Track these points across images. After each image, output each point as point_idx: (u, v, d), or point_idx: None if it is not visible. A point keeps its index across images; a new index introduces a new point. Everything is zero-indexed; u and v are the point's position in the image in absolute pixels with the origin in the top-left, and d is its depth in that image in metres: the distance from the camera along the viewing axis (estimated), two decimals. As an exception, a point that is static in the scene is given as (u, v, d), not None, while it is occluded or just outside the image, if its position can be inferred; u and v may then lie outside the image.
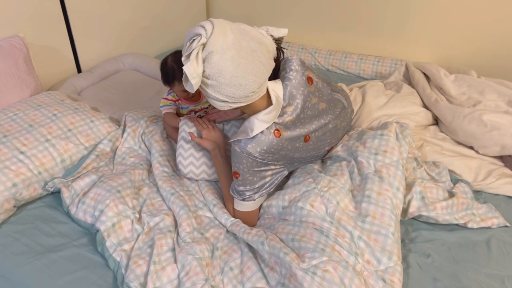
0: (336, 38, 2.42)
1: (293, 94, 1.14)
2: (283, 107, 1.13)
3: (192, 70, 0.97)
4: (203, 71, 1.00)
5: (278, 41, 1.13)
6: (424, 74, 1.84)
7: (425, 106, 1.72)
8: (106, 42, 2.16)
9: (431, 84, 1.79)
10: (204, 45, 0.98)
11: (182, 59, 1.01)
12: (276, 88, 1.12)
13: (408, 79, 1.92)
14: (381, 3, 2.17)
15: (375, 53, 2.28)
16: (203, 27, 0.98)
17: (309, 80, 1.18)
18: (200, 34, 0.97)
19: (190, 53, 0.98)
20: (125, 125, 1.56)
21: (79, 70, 2.08)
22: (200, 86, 1.04)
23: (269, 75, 1.09)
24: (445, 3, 2.01)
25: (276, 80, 1.15)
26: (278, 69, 1.19)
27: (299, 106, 1.14)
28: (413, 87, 1.82)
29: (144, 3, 2.30)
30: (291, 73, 1.15)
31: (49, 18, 1.84)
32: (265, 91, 1.10)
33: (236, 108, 1.13)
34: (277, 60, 1.15)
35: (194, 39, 0.98)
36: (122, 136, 1.53)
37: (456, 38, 2.06)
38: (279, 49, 1.15)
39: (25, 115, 1.43)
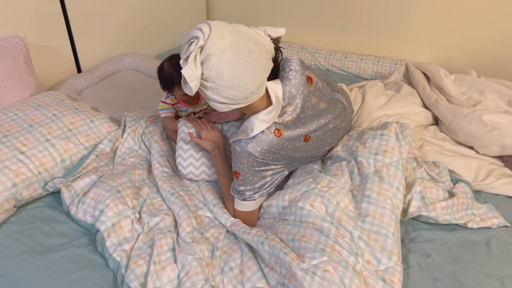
0: (336, 38, 2.42)
1: (293, 94, 1.14)
2: (283, 107, 1.13)
3: (190, 73, 0.97)
4: (202, 74, 1.00)
5: (276, 41, 1.12)
6: (424, 74, 1.84)
7: (425, 106, 1.72)
8: (106, 42, 2.16)
9: (431, 84, 1.79)
10: (202, 47, 0.98)
11: (180, 62, 1.01)
12: (275, 88, 1.12)
13: (408, 79, 1.92)
14: (381, 3, 2.17)
15: (375, 53, 2.28)
16: (201, 29, 0.98)
17: (309, 79, 1.18)
18: (198, 37, 0.97)
19: (188, 55, 0.98)
20: (125, 125, 1.56)
21: (79, 70, 2.08)
22: (199, 88, 1.04)
23: (268, 75, 1.08)
24: (445, 3, 2.01)
25: (276, 80, 1.15)
26: (278, 69, 1.19)
27: (299, 105, 1.15)
28: (413, 87, 1.82)
29: (144, 3, 2.30)
30: (290, 73, 1.15)
31: (49, 18, 1.84)
32: (264, 92, 1.09)
33: (236, 109, 1.13)
34: (276, 60, 1.15)
35: (192, 42, 0.98)
36: (122, 136, 1.53)
37: (456, 38, 2.06)
38: (277, 49, 1.15)
39: (25, 115, 1.43)
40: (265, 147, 1.11)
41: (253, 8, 2.62)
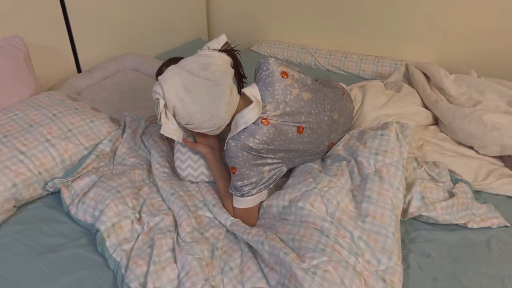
0: (336, 38, 2.42)
1: (270, 92, 1.19)
2: (264, 106, 1.17)
3: (168, 129, 1.13)
4: (179, 123, 1.15)
5: (225, 48, 1.20)
6: (424, 74, 1.84)
7: (425, 106, 1.72)
8: (106, 42, 2.16)
9: (431, 84, 1.79)
10: (165, 105, 1.12)
11: (158, 122, 1.13)
12: (252, 91, 1.18)
13: (408, 79, 1.92)
14: (381, 3, 2.17)
15: (375, 53, 2.28)
16: (156, 91, 1.13)
17: (283, 74, 1.22)
18: (158, 98, 1.12)
19: (160, 117, 1.12)
20: (125, 126, 1.56)
21: (79, 70, 2.08)
22: (189, 130, 1.21)
23: (232, 81, 1.16)
24: (446, 3, 2.01)
25: (252, 84, 1.21)
26: (240, 69, 1.27)
27: (280, 101, 1.18)
28: (413, 87, 1.82)
29: (144, 3, 2.30)
30: (264, 73, 1.22)
31: (49, 18, 1.84)
32: (238, 97, 1.18)
33: None
34: (237, 60, 1.25)
35: (157, 104, 1.13)
36: (122, 137, 1.53)
37: (456, 38, 2.06)
38: (231, 53, 1.21)
39: (25, 115, 1.43)
40: (257, 136, 1.13)
41: (253, 7, 2.62)
